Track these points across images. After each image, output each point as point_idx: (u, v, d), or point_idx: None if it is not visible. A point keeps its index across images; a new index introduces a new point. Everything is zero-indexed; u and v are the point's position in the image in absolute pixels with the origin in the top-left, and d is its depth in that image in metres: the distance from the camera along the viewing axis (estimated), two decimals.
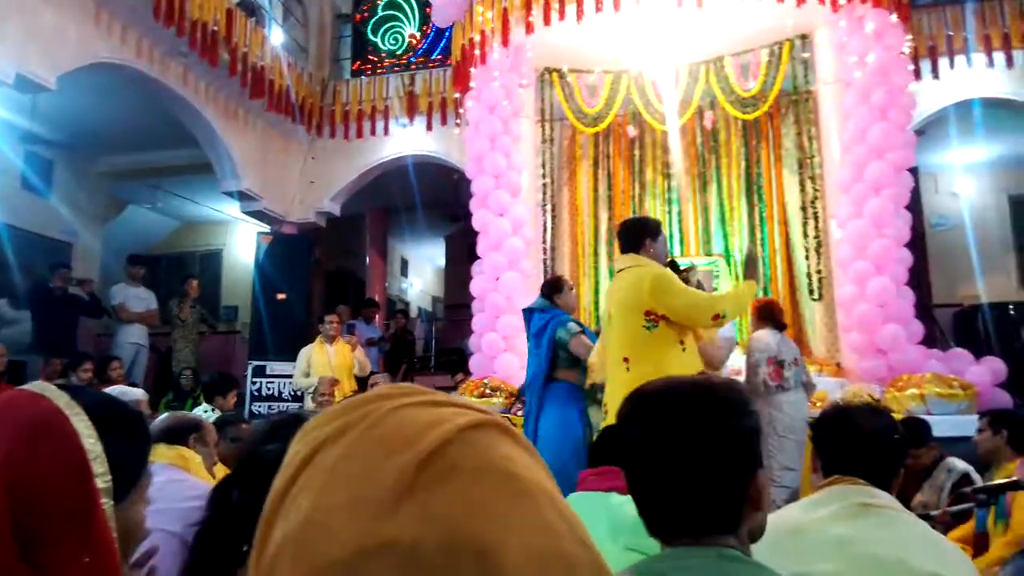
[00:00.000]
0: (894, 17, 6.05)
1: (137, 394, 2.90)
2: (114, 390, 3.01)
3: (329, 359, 6.47)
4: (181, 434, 2.30)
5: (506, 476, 0.40)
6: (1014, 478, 3.20)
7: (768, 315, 4.84)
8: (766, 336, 4.68)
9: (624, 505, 1.71)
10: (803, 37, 6.66)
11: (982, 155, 8.75)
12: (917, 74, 6.82)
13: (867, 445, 1.60)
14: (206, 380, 6.39)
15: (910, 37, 6.39)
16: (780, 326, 4.83)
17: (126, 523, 0.96)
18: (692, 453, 0.99)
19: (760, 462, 1.02)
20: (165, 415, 2.50)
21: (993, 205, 9.32)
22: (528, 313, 4.43)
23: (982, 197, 9.29)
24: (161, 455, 2.20)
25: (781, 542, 1.42)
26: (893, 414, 1.83)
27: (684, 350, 3.32)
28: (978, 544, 3.16)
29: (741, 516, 1.00)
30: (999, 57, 7.15)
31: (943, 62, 7.21)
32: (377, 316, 9.35)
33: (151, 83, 6.80)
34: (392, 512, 0.37)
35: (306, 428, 0.44)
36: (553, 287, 4.43)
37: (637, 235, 3.46)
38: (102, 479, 0.88)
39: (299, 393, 6.69)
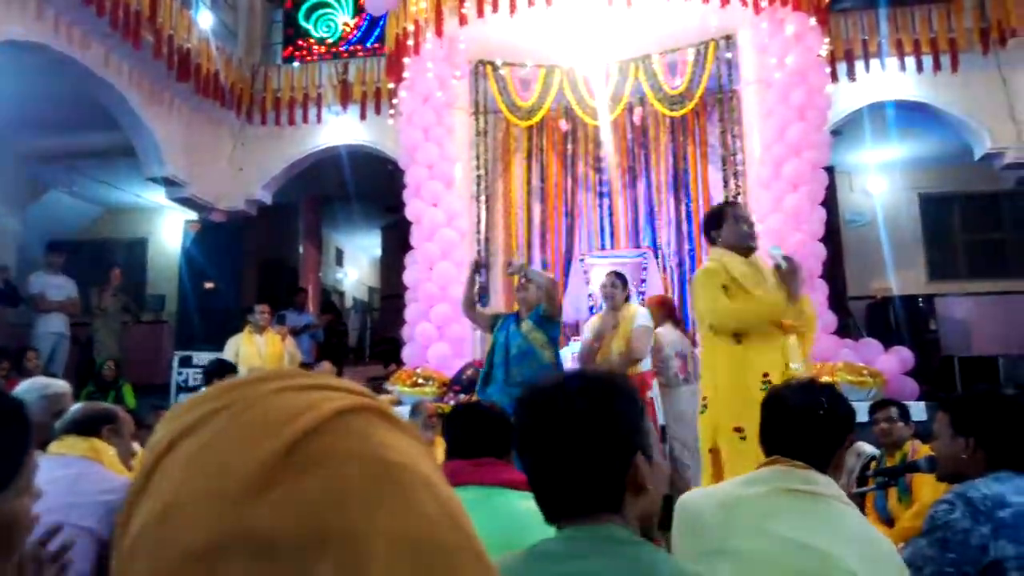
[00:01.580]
0: (813, 20, 6.30)
1: (60, 386, 2.82)
2: (36, 381, 2.92)
3: (259, 350, 6.40)
4: (94, 425, 2.25)
5: (378, 462, 0.38)
6: (910, 460, 3.43)
7: (670, 312, 5.14)
8: (670, 332, 4.91)
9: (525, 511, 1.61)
10: (727, 38, 6.88)
11: (894, 155, 9.19)
12: (834, 76, 7.14)
13: (795, 422, 1.63)
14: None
15: (828, 40, 6.67)
16: (677, 323, 5.12)
17: (6, 515, 0.94)
18: (571, 437, 1.06)
19: (640, 448, 1.08)
20: (78, 405, 2.44)
21: (904, 202, 9.80)
22: None
23: (894, 195, 9.77)
24: (73, 447, 2.16)
25: (710, 514, 1.47)
26: (835, 390, 1.84)
27: (739, 343, 3.08)
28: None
29: (623, 498, 1.06)
30: (910, 61, 7.54)
31: (859, 65, 7.55)
32: (307, 303, 9.24)
33: (70, 64, 6.53)
34: (253, 501, 0.36)
35: (173, 412, 0.42)
36: None
37: (706, 229, 3.30)
38: None
39: None
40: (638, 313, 4.63)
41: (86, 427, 2.24)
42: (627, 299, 4.78)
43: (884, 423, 3.79)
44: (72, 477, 2.02)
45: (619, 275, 4.86)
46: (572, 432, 1.07)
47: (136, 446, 3.05)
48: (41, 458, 1.92)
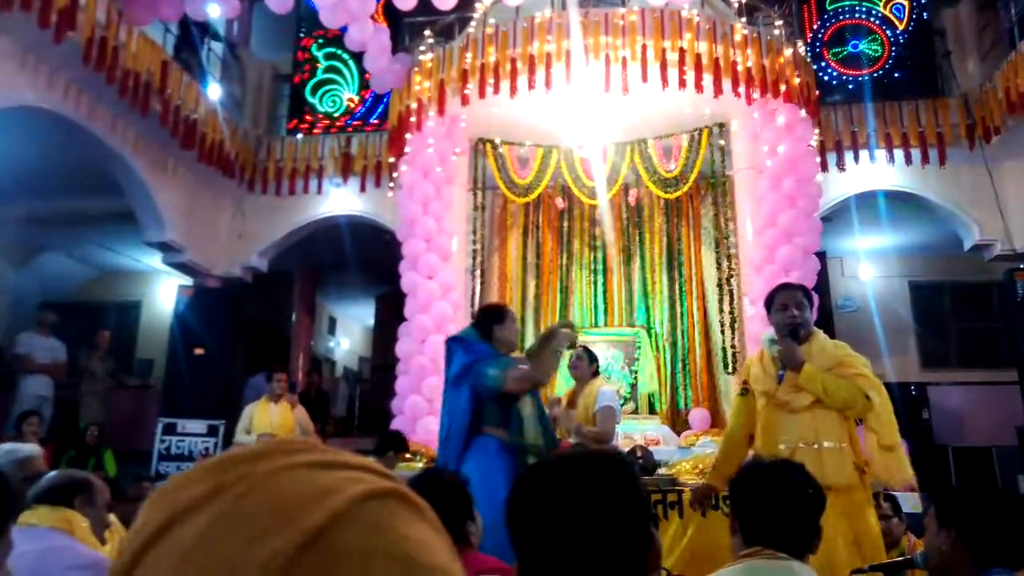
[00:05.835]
0: (803, 112, 6.48)
1: (30, 450, 2.76)
2: (3, 447, 2.86)
3: (270, 419, 6.30)
4: (67, 494, 2.19)
5: (403, 563, 0.34)
6: (907, 556, 3.34)
7: None
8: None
9: None
10: (720, 125, 7.07)
11: (884, 242, 9.34)
12: (824, 165, 7.31)
13: (781, 501, 1.60)
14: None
15: (818, 131, 6.86)
16: None
17: None
18: (594, 525, 0.98)
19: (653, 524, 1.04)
20: (52, 473, 2.38)
21: (897, 289, 9.90)
22: (452, 346, 3.61)
23: (885, 282, 9.87)
24: (43, 518, 2.09)
25: None
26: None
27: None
28: None
29: None
30: (899, 154, 7.74)
31: (848, 155, 7.76)
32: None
33: (76, 129, 6.65)
34: None
35: (165, 488, 0.37)
36: (493, 316, 3.59)
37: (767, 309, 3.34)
38: None
39: None
40: (601, 392, 4.50)
41: (59, 496, 2.18)
42: (595, 374, 4.71)
43: (881, 521, 3.70)
44: (39, 552, 1.95)
45: (586, 349, 4.83)
46: (595, 520, 0.98)
47: (112, 517, 2.96)
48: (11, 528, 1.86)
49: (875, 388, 3.04)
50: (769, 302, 3.28)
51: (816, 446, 2.99)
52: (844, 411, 3.03)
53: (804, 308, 3.18)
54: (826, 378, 3.02)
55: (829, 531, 2.60)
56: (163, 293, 10.58)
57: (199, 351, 7.99)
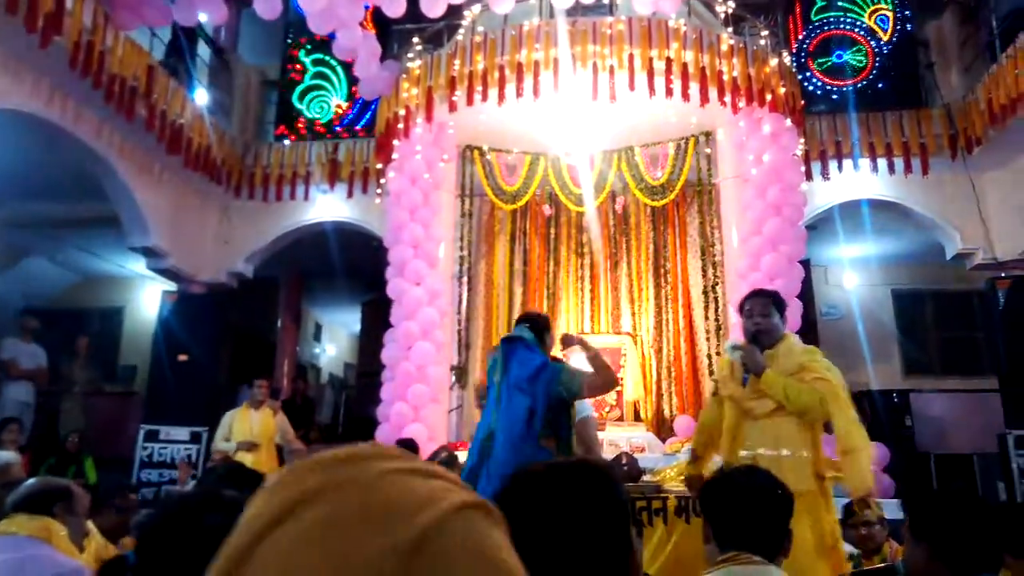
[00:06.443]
0: (788, 122, 6.54)
1: (7, 457, 2.72)
2: None
3: (251, 425, 6.27)
4: (46, 502, 2.16)
5: (495, 567, 0.38)
6: (889, 563, 3.36)
7: None
8: None
9: None
10: (707, 134, 7.13)
11: (868, 251, 9.43)
12: (808, 174, 7.38)
13: (749, 504, 1.62)
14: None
15: (803, 140, 6.92)
16: None
17: None
18: (579, 531, 0.99)
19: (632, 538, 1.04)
20: (31, 481, 2.34)
21: (880, 297, 9.99)
22: (509, 346, 3.54)
23: (869, 290, 9.96)
24: (22, 527, 2.06)
25: None
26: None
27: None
28: None
29: None
30: (882, 163, 7.83)
31: (832, 165, 7.83)
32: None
33: (62, 134, 6.60)
34: None
35: (279, 480, 0.39)
36: (545, 323, 3.64)
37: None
38: None
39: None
40: (578, 403, 4.48)
41: (38, 504, 2.15)
42: None
43: (863, 528, 3.69)
44: (18, 561, 1.93)
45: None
46: (576, 527, 1.00)
47: (90, 524, 2.93)
48: None
49: (833, 393, 3.00)
50: (740, 309, 3.39)
51: (776, 453, 2.99)
52: (805, 416, 3.02)
53: (770, 315, 3.24)
54: (788, 383, 3.04)
55: (797, 529, 2.64)
56: (147, 299, 10.49)
57: (183, 357, 7.92)
